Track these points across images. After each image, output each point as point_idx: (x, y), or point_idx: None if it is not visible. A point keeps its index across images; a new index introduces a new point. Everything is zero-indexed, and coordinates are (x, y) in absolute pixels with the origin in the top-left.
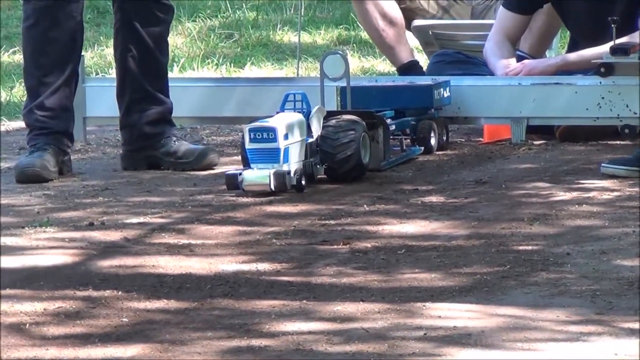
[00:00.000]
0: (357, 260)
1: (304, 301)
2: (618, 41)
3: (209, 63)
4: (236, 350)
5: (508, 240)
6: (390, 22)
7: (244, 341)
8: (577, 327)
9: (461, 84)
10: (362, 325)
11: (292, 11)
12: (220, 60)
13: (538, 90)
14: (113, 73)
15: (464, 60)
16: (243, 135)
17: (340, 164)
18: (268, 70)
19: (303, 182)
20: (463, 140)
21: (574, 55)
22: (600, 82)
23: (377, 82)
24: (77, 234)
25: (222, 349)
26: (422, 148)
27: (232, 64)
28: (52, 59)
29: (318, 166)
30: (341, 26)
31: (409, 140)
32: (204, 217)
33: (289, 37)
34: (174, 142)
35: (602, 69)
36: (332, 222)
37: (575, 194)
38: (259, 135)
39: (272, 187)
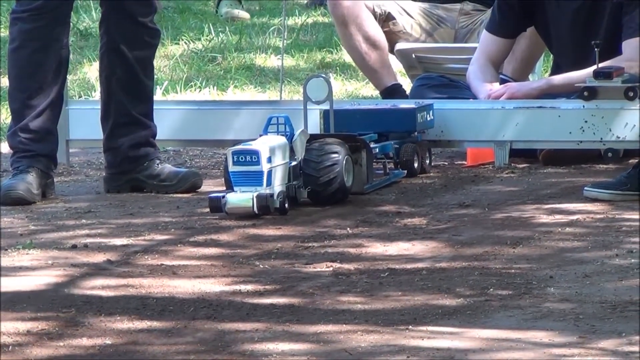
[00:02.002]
0: (341, 283)
1: (287, 323)
2: (601, 65)
3: (192, 86)
4: None
5: (491, 263)
6: (374, 45)
7: None
8: (560, 349)
9: (445, 107)
10: (345, 347)
11: (275, 34)
12: (204, 83)
13: (521, 113)
14: (95, 96)
15: (447, 83)
16: (226, 158)
17: (323, 187)
18: (251, 93)
19: (286, 205)
20: (446, 163)
21: (557, 79)
22: (584, 106)
23: (360, 106)
24: (60, 256)
25: None
26: (405, 171)
27: (215, 87)
28: (37, 82)
29: (301, 189)
30: (324, 49)
31: (392, 164)
32: (187, 240)
33: (272, 60)
34: (157, 164)
35: (586, 93)
36: (316, 244)
37: (558, 217)
38: (242, 158)
39: (255, 210)
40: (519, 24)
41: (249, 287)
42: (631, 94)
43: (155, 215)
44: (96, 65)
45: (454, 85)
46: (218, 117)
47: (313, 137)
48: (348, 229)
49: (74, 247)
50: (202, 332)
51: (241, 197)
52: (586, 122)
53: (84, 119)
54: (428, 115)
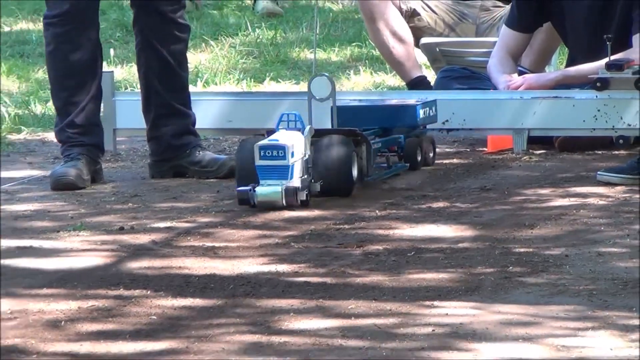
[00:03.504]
0: (370, 262)
1: (320, 300)
2: (613, 57)
3: (230, 78)
4: (257, 346)
5: (510, 243)
6: (400, 40)
7: (265, 337)
8: (575, 323)
9: (466, 97)
10: (374, 322)
11: (308, 30)
12: (241, 76)
13: (538, 103)
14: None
15: (469, 75)
16: (237, 154)
17: (332, 180)
18: (286, 85)
19: (309, 197)
20: (468, 150)
21: (572, 71)
22: (597, 96)
23: (365, 102)
24: (108, 238)
25: (244, 344)
26: (408, 165)
27: (252, 79)
28: (76, 80)
29: (312, 182)
30: (354, 44)
31: (396, 157)
32: (227, 222)
33: (305, 54)
34: (199, 152)
35: (598, 84)
36: (347, 226)
37: (573, 199)
38: (269, 152)
39: (284, 202)
40: (536, 19)
41: (285, 266)
42: None
43: (196, 199)
44: None
45: (475, 77)
46: (255, 108)
47: (317, 133)
48: (376, 211)
49: (121, 229)
50: (240, 308)
51: (270, 190)
52: (599, 111)
53: (129, 109)
54: (431, 111)
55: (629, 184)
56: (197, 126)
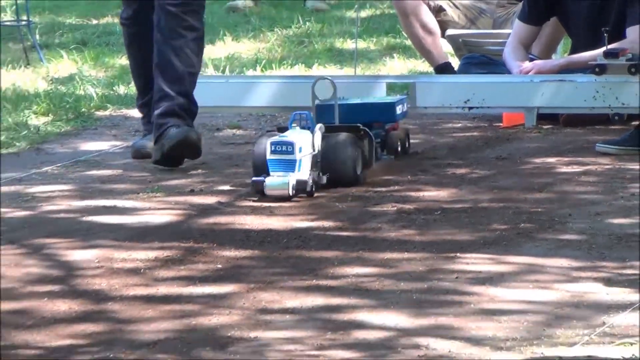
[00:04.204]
0: (402, 220)
1: (360, 251)
2: (610, 47)
3: (284, 64)
4: (307, 289)
5: (522, 203)
6: (429, 31)
7: (313, 282)
8: (577, 272)
9: (485, 80)
10: (406, 270)
11: (350, 23)
12: (294, 62)
13: (546, 85)
14: (214, 72)
15: (487, 62)
16: (254, 148)
17: (340, 173)
18: (331, 69)
19: (314, 189)
20: (486, 125)
21: (574, 58)
22: (595, 79)
23: (348, 101)
24: (180, 199)
25: (296, 287)
26: (393, 156)
27: (303, 65)
28: (150, 68)
29: (320, 175)
30: (390, 35)
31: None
32: None
33: (347, 43)
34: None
35: (597, 69)
36: (383, 189)
37: (575, 167)
38: (279, 147)
39: (291, 192)
40: (544, 14)
41: (330, 223)
42: (633, 70)
43: None
44: (211, 48)
45: (492, 63)
46: (306, 89)
47: (327, 128)
48: (409, 176)
49: (191, 191)
50: (293, 258)
51: (279, 181)
52: (597, 92)
53: (206, 89)
54: (403, 107)
55: (623, 154)
56: (257, 104)
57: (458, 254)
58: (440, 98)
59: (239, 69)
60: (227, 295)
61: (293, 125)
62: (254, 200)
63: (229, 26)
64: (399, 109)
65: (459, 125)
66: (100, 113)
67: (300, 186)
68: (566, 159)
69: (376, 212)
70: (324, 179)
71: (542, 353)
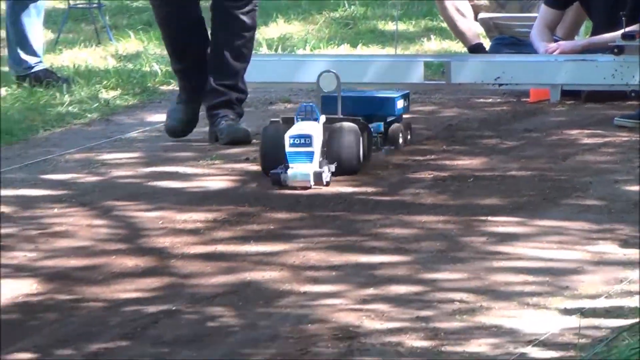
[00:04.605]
0: (438, 186)
1: (400, 215)
2: (627, 29)
3: (332, 44)
4: (351, 247)
5: (547, 172)
6: (463, 15)
7: (357, 242)
8: (597, 234)
9: (514, 60)
10: (441, 231)
11: (391, 6)
12: (340, 42)
13: (569, 64)
14: (267, 51)
15: (516, 42)
16: (262, 138)
17: (345, 162)
18: (374, 49)
19: (331, 179)
20: (515, 100)
21: (595, 39)
22: (614, 59)
23: (353, 94)
24: (236, 166)
25: (341, 245)
26: (393, 147)
27: (348, 44)
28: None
29: (328, 164)
30: (427, 17)
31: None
32: None
33: (389, 25)
34: (222, 122)
35: (616, 50)
36: (420, 158)
37: (596, 139)
38: (297, 140)
39: (312, 183)
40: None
41: (372, 188)
42: None
43: None
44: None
45: (521, 44)
46: (351, 66)
47: (328, 120)
48: (444, 146)
49: (246, 159)
50: (339, 220)
51: (301, 172)
52: (616, 70)
53: (260, 67)
54: (404, 102)
55: (639, 127)
56: (307, 80)
57: (489, 217)
58: (472, 75)
59: (289, 49)
60: (278, 254)
61: (299, 116)
62: None
63: (281, 9)
64: (399, 104)
65: (490, 100)
66: (164, 88)
67: (317, 177)
68: (587, 131)
69: (414, 179)
70: (332, 168)
71: (564, 307)
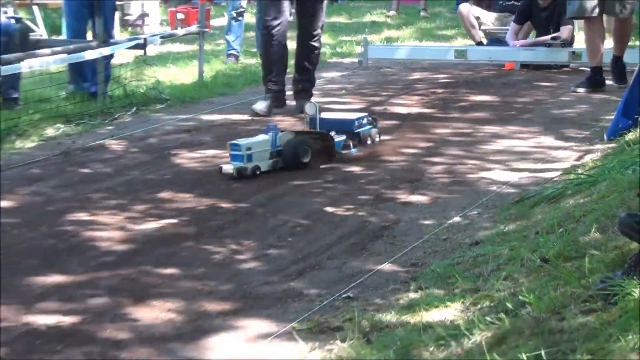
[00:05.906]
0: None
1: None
2: (553, 35)
3: (415, 40)
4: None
5: (511, 102)
6: (472, 26)
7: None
8: (539, 134)
9: (499, 49)
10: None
11: (445, 18)
12: (421, 39)
13: (525, 52)
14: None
15: (499, 41)
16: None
17: (290, 161)
18: (431, 43)
19: (257, 172)
20: (497, 69)
21: (538, 40)
22: (547, 49)
23: (328, 117)
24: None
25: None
26: (357, 150)
27: (424, 40)
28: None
29: (279, 163)
30: (456, 27)
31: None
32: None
33: (444, 31)
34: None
35: (547, 45)
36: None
37: (538, 84)
38: (232, 147)
39: (235, 174)
40: (524, 19)
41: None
42: (562, 45)
43: None
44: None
45: (501, 41)
46: (417, 50)
47: (298, 133)
48: (463, 90)
49: None
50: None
51: (231, 167)
52: (548, 55)
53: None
54: (362, 122)
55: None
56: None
57: (486, 127)
58: (479, 56)
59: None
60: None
61: (266, 132)
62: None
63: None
64: (357, 124)
65: (486, 69)
66: None
67: (243, 171)
68: (534, 83)
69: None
70: (280, 163)
71: (524, 168)
